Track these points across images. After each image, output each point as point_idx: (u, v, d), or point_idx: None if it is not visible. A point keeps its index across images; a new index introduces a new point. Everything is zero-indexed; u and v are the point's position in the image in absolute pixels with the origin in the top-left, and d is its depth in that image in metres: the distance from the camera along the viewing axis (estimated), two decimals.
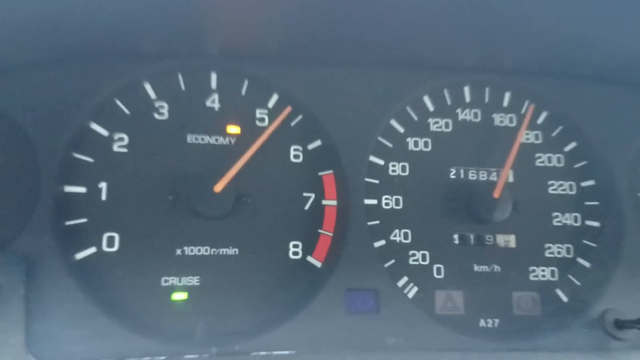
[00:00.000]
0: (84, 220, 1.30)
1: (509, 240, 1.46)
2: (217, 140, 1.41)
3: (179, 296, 1.30)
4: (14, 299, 1.13)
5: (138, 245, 1.31)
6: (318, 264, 1.38)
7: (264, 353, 1.19)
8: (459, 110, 1.54)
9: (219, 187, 1.31)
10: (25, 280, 1.16)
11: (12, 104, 1.32)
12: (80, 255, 1.28)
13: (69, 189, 1.31)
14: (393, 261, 1.40)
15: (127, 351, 1.16)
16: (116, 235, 1.31)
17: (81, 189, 1.32)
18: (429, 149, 1.50)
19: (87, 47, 1.36)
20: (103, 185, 1.33)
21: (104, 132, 1.37)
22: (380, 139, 1.48)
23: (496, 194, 1.41)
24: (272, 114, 1.45)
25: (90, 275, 1.26)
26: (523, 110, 1.55)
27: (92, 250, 1.29)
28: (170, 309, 1.29)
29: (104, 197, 1.33)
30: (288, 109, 1.44)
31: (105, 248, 1.30)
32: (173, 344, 1.20)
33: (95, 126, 1.36)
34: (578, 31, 1.32)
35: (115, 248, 1.30)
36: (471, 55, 1.49)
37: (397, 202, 1.45)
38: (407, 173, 1.48)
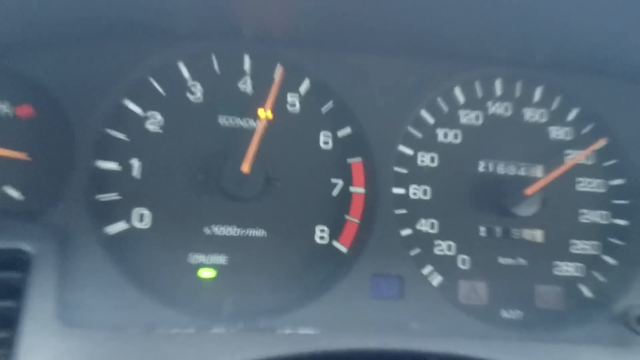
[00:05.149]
0: (115, 195, 1.32)
1: (535, 234, 1.45)
2: (248, 122, 1.43)
3: (207, 273, 1.31)
4: (46, 268, 1.15)
5: (167, 222, 1.33)
6: (344, 250, 1.38)
7: (289, 331, 1.20)
8: (489, 103, 1.53)
9: (245, 167, 1.31)
10: (58, 250, 1.17)
11: (50, 78, 1.34)
12: (111, 230, 1.29)
13: (103, 164, 1.33)
14: (419, 250, 1.40)
15: (156, 322, 1.17)
16: (146, 212, 1.33)
17: (114, 165, 1.34)
18: (459, 140, 1.50)
19: (123, 24, 1.37)
20: (136, 162, 1.35)
21: (138, 110, 1.38)
22: (410, 128, 1.48)
23: (529, 192, 1.40)
24: (304, 100, 1.47)
25: (120, 249, 1.28)
26: (553, 107, 1.54)
27: (122, 225, 1.30)
28: (198, 285, 1.30)
29: (136, 174, 1.34)
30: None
31: (135, 223, 1.31)
32: (201, 318, 1.21)
33: (129, 104, 1.38)
34: (612, 28, 1.31)
35: (145, 224, 1.32)
36: (504, 48, 1.48)
37: (424, 192, 1.45)
38: (435, 164, 1.47)
